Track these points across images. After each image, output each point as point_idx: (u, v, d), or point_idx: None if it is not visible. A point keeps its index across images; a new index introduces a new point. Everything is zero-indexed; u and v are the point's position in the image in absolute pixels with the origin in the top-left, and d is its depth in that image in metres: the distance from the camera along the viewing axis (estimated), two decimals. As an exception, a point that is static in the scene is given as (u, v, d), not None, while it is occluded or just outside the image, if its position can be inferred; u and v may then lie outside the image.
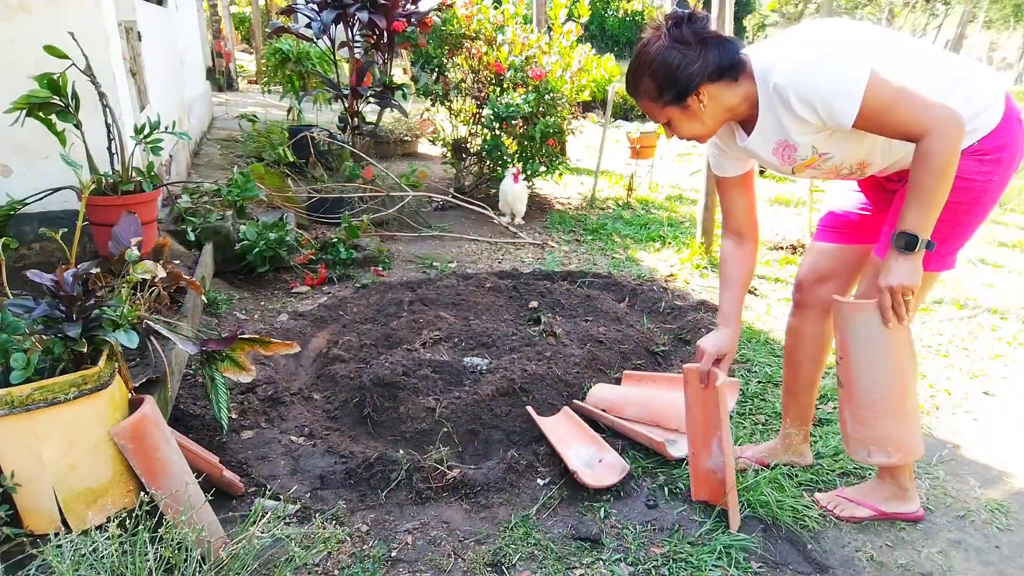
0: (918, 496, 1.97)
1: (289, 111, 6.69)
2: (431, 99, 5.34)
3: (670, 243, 4.53)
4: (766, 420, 2.41)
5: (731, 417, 2.36)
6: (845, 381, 1.79)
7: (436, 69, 5.26)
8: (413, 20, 4.93)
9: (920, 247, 1.55)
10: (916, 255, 1.57)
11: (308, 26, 4.95)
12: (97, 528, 1.56)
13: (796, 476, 2.09)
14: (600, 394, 2.44)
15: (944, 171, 1.50)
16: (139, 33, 3.85)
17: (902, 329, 1.70)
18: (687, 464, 2.03)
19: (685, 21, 1.58)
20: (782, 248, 4.36)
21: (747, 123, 1.70)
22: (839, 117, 1.51)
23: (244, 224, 3.59)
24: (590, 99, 6.24)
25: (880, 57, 1.53)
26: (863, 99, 1.47)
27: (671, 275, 3.91)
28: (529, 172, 5.13)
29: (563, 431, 2.24)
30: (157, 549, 1.38)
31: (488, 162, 5.22)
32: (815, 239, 2.00)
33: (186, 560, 1.41)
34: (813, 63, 1.52)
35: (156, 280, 2.20)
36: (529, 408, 2.31)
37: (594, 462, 2.06)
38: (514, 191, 4.82)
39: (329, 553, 1.74)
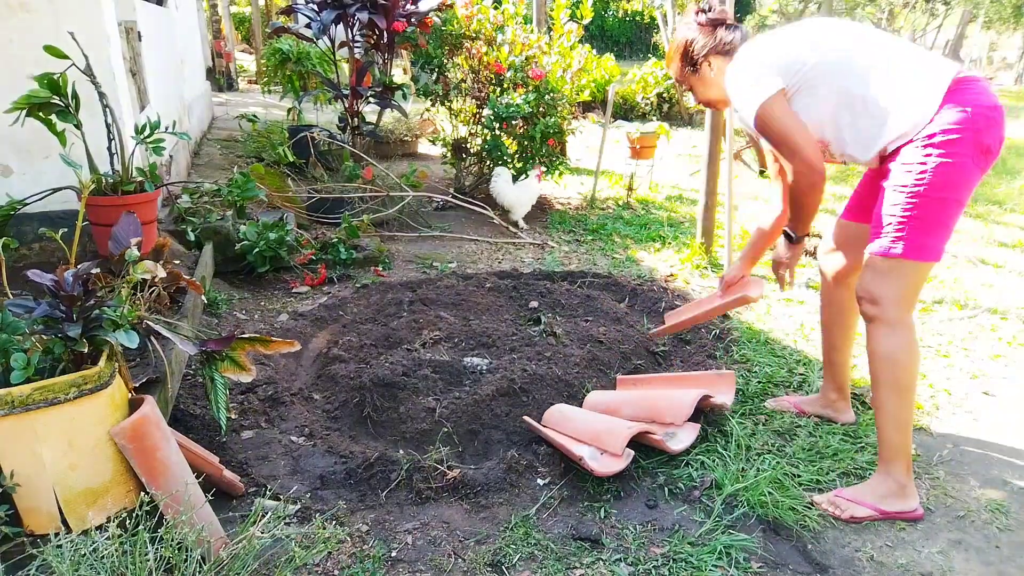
0: (917, 495, 1.98)
1: (289, 111, 6.68)
2: (431, 99, 5.34)
3: (670, 243, 4.53)
4: (766, 420, 2.41)
5: (732, 416, 2.37)
6: None
7: (436, 69, 5.26)
8: (413, 20, 4.93)
9: (796, 240, 2.21)
10: (796, 245, 2.23)
11: (308, 26, 4.95)
12: (97, 528, 1.56)
13: (796, 476, 2.09)
14: (595, 400, 2.44)
15: (796, 200, 2.06)
16: (139, 33, 3.85)
17: None
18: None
19: (704, 11, 2.18)
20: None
21: None
22: (744, 119, 2.02)
23: (244, 224, 3.59)
24: (590, 99, 6.25)
25: (820, 69, 1.91)
26: (756, 113, 1.94)
27: (671, 275, 3.91)
28: (529, 172, 5.14)
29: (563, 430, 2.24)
30: (157, 549, 1.38)
31: (488, 162, 5.22)
32: (840, 215, 2.30)
33: (186, 560, 1.41)
34: (739, 73, 2.01)
35: (156, 280, 2.20)
36: (526, 418, 2.30)
37: (597, 455, 2.06)
38: (513, 192, 4.83)
39: (329, 553, 1.74)
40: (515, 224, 4.88)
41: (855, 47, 1.92)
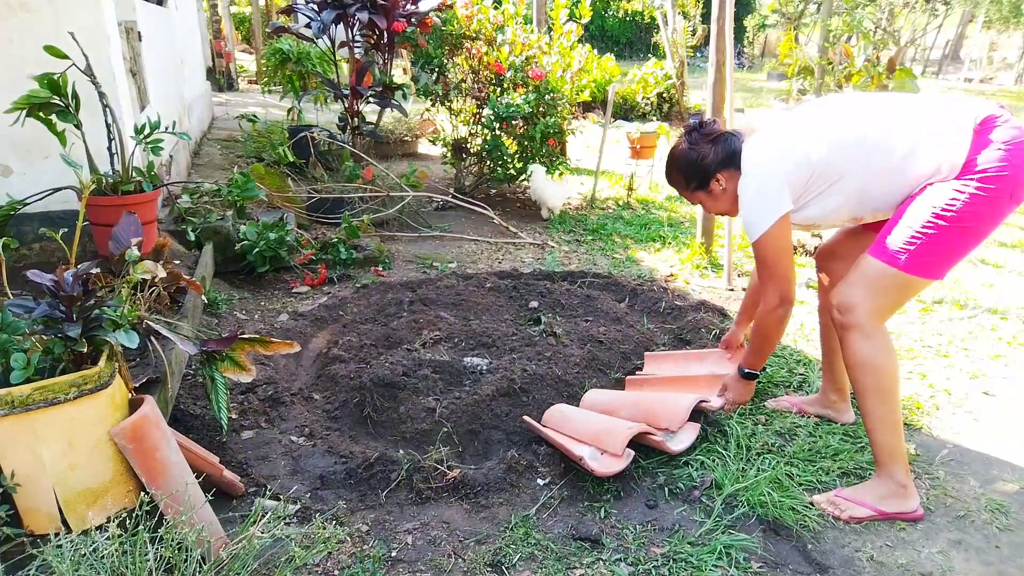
0: (918, 495, 1.97)
1: (289, 111, 6.68)
2: (431, 99, 5.34)
3: (670, 243, 4.53)
4: (766, 420, 2.41)
5: (732, 416, 2.37)
6: None
7: (436, 69, 5.25)
8: (413, 20, 4.93)
9: (751, 378, 2.35)
10: (749, 382, 2.37)
11: (308, 26, 4.95)
12: (97, 528, 1.56)
13: (796, 476, 2.09)
14: (593, 399, 2.44)
15: (763, 331, 2.20)
16: (139, 33, 3.85)
17: None
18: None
19: (697, 128, 2.18)
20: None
21: None
22: (748, 234, 2.08)
23: (244, 224, 3.59)
24: (590, 99, 6.25)
25: (835, 158, 1.93)
26: (764, 233, 2.01)
27: (671, 275, 3.91)
28: (529, 172, 5.14)
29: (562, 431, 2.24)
30: (157, 549, 1.38)
31: (488, 162, 5.23)
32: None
33: (186, 560, 1.41)
34: (748, 191, 2.05)
35: (156, 280, 2.20)
36: (526, 418, 2.30)
37: (597, 455, 2.06)
38: (551, 187, 4.97)
39: (329, 553, 1.74)
40: (551, 212, 5.02)
41: (862, 118, 1.93)
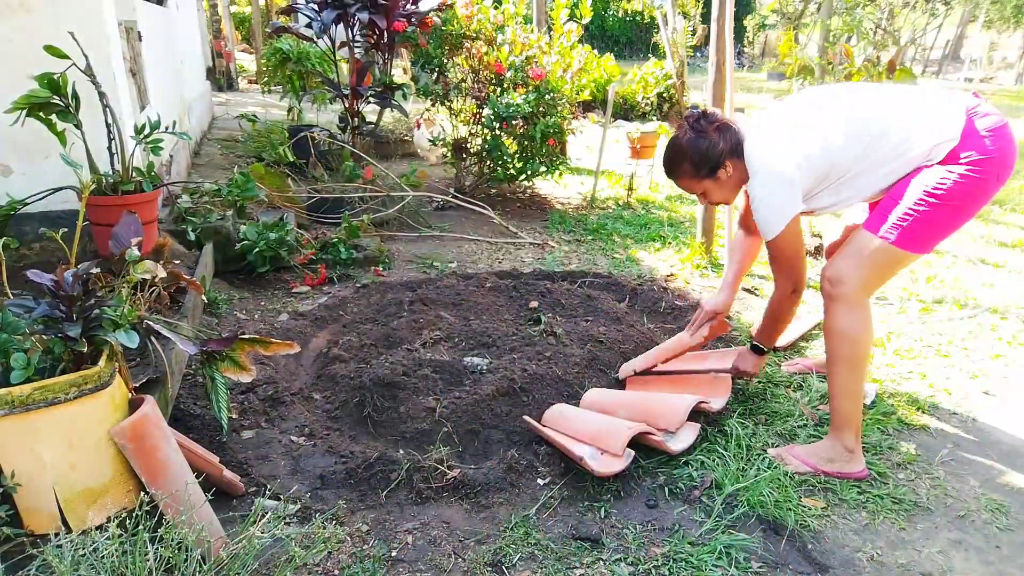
0: (863, 458, 2.13)
1: (289, 111, 6.69)
2: (431, 99, 5.34)
3: (670, 243, 4.53)
4: (766, 419, 2.41)
5: (733, 415, 2.37)
6: None
7: (436, 69, 5.25)
8: (413, 20, 4.93)
9: (764, 353, 2.39)
10: (760, 356, 2.40)
11: (308, 26, 4.95)
12: (97, 528, 1.56)
13: (796, 476, 2.09)
14: (592, 398, 2.44)
15: (776, 315, 2.25)
16: (139, 33, 3.85)
17: None
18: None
19: (702, 117, 2.18)
20: (782, 248, 4.35)
21: None
22: (764, 233, 2.10)
23: (244, 224, 3.58)
24: (590, 99, 6.25)
25: (841, 154, 2.01)
26: (781, 231, 2.05)
27: (671, 275, 3.91)
28: (529, 172, 5.14)
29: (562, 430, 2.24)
30: (157, 549, 1.38)
31: (488, 162, 5.22)
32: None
33: (186, 560, 1.41)
34: (765, 190, 2.06)
35: (156, 280, 2.20)
36: (526, 418, 2.30)
37: (598, 455, 2.06)
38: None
39: (329, 553, 1.74)
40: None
41: (863, 113, 2.02)
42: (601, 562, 1.76)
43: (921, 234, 1.95)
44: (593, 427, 2.16)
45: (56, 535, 1.44)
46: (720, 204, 2.45)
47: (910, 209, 1.94)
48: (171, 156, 4.42)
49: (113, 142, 2.75)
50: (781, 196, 2.04)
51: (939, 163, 1.94)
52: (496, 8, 5.16)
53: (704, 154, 2.16)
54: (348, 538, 1.81)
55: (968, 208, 1.95)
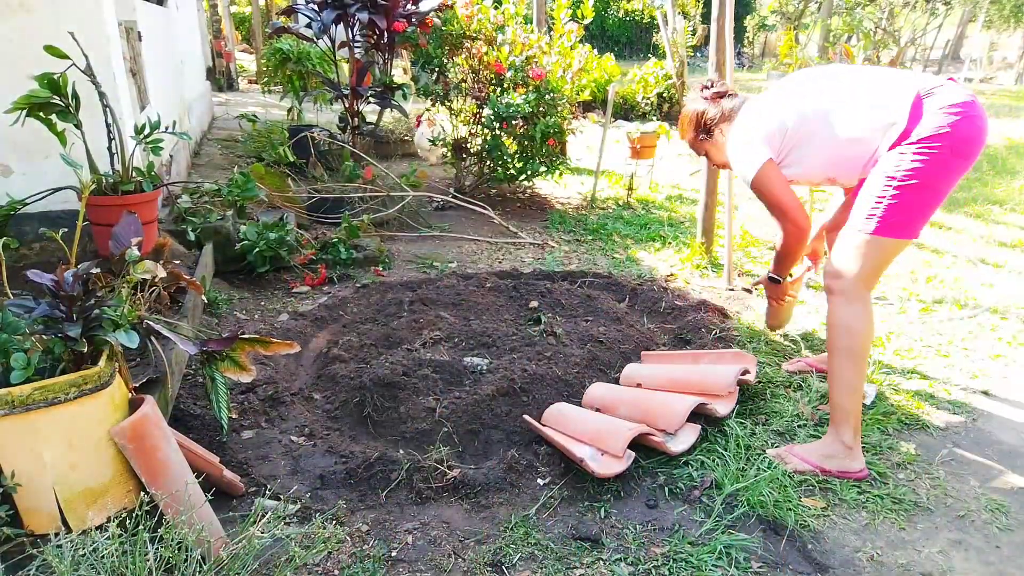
0: (863, 457, 2.13)
1: (289, 111, 6.69)
2: (431, 99, 5.34)
3: (670, 243, 4.53)
4: (766, 419, 2.41)
5: (733, 415, 2.37)
6: None
7: (436, 69, 5.25)
8: (413, 20, 4.93)
9: (779, 282, 2.60)
10: (778, 285, 2.62)
11: (308, 26, 4.95)
12: (97, 528, 1.56)
13: (796, 476, 2.09)
14: (595, 393, 2.44)
15: (786, 252, 2.42)
16: (139, 33, 3.85)
17: None
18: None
19: (708, 86, 2.54)
20: (782, 248, 4.35)
21: None
22: (744, 179, 2.30)
23: (244, 224, 3.59)
24: (590, 99, 6.25)
25: (807, 125, 2.16)
26: (753, 178, 2.24)
27: (671, 275, 3.91)
28: (529, 172, 5.13)
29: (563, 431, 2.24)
30: (157, 549, 1.38)
31: (488, 162, 5.22)
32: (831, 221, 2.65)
33: (186, 560, 1.41)
34: (734, 143, 2.33)
35: (156, 280, 2.20)
36: (526, 417, 2.30)
37: (598, 456, 2.06)
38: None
39: (329, 553, 1.74)
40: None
41: (829, 89, 2.16)
42: (601, 562, 1.76)
43: (898, 219, 1.99)
44: (593, 428, 2.16)
45: (56, 535, 1.44)
46: (723, 167, 2.63)
47: (878, 198, 2.00)
48: (171, 156, 4.42)
49: (113, 142, 2.75)
50: (749, 143, 2.25)
51: (891, 147, 2.00)
52: (496, 8, 5.16)
53: (699, 118, 2.49)
54: (348, 538, 1.81)
55: (936, 186, 1.97)
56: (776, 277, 2.60)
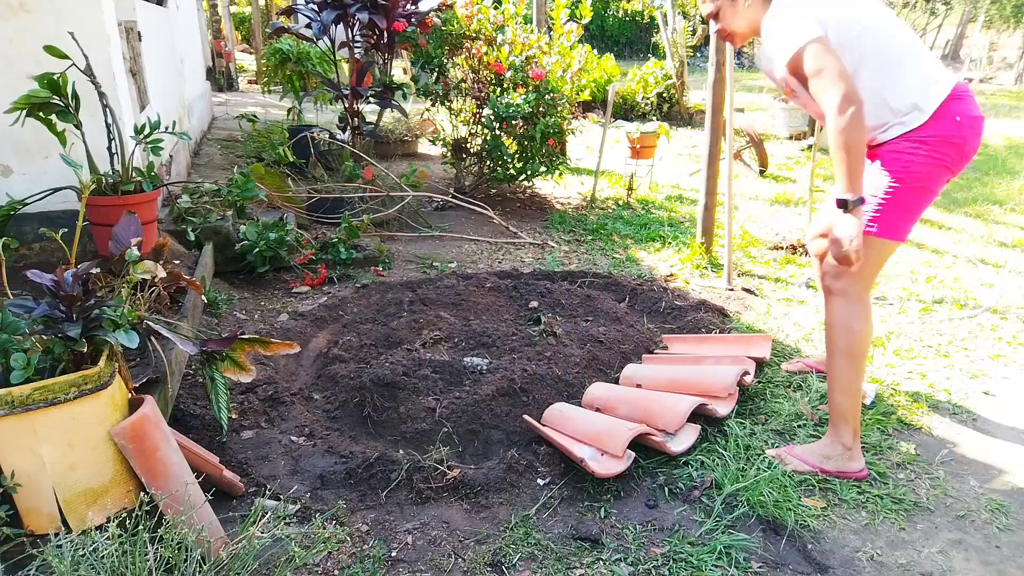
0: (862, 457, 2.13)
1: (289, 111, 6.68)
2: (431, 99, 5.34)
3: (670, 243, 4.53)
4: (766, 419, 2.41)
5: (733, 415, 2.37)
6: None
7: (436, 69, 5.25)
8: (413, 20, 4.93)
9: (853, 205, 1.86)
10: (852, 213, 1.87)
11: (308, 26, 4.95)
12: (97, 528, 1.56)
13: (796, 476, 2.09)
14: (595, 393, 2.44)
15: (841, 143, 1.83)
16: (139, 33, 3.85)
17: None
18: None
19: None
20: (782, 248, 4.35)
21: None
22: (777, 58, 1.97)
23: (244, 224, 3.58)
24: (590, 99, 6.24)
25: (865, 31, 1.94)
26: (792, 55, 1.89)
27: (671, 275, 3.91)
28: (529, 172, 5.13)
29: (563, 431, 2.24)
30: (157, 549, 1.38)
31: (488, 162, 5.22)
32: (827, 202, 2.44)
33: (186, 560, 1.41)
34: (781, 14, 1.98)
35: (156, 280, 2.20)
36: (526, 417, 2.30)
37: (598, 456, 2.06)
38: None
39: (329, 553, 1.74)
40: None
41: (891, 22, 2.01)
42: (601, 562, 1.76)
43: (895, 221, 1.99)
44: (593, 428, 2.16)
45: (56, 535, 1.44)
46: (728, 40, 2.25)
47: (882, 198, 1.98)
48: (171, 156, 4.42)
49: (113, 142, 2.75)
50: (790, 21, 1.93)
51: (902, 136, 1.95)
52: (496, 8, 5.16)
53: None
54: (348, 538, 1.81)
55: (929, 189, 1.98)
56: (848, 198, 1.85)
